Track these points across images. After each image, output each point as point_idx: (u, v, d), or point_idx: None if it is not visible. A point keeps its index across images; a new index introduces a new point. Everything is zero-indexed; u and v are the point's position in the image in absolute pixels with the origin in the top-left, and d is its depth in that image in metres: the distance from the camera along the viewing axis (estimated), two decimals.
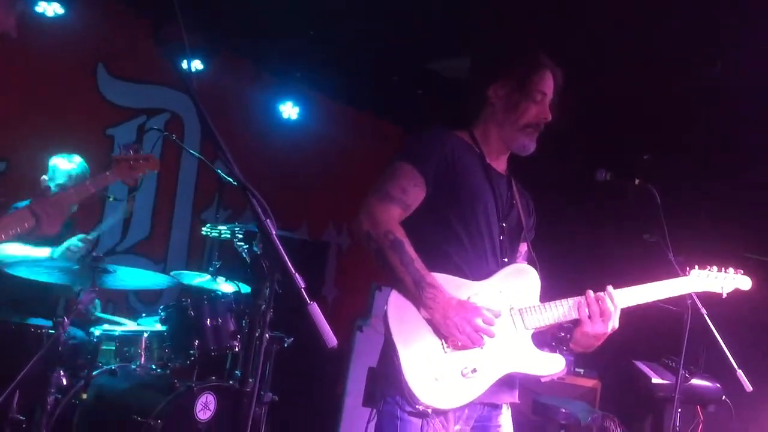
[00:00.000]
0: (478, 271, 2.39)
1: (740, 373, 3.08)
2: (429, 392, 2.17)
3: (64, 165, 4.09)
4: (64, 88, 5.13)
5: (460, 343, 2.22)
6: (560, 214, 5.98)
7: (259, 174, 5.64)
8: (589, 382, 5.71)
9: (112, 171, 2.73)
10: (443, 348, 2.23)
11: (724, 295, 2.65)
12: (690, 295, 3.19)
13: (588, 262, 5.36)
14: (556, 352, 2.41)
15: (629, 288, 2.45)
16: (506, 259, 2.49)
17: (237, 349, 3.84)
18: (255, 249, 4.08)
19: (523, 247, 2.61)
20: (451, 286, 2.27)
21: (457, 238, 2.39)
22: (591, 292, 2.38)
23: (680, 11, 4.19)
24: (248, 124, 6.26)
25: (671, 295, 2.54)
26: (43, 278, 3.60)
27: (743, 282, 2.67)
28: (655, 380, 4.43)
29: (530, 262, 2.55)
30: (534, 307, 2.39)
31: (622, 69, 4.96)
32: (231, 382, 3.67)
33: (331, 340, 1.40)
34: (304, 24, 5.33)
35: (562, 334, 2.45)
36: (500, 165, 2.61)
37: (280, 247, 1.43)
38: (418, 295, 2.21)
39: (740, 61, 4.53)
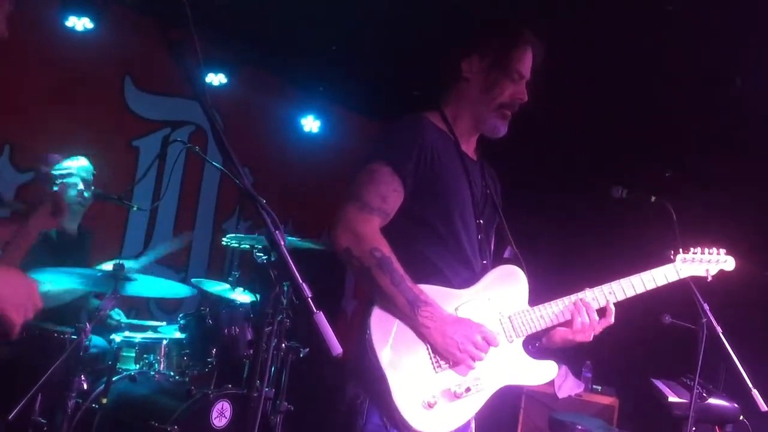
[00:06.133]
0: (462, 278, 2.25)
1: (755, 392, 3.05)
2: (422, 419, 2.04)
3: (67, 164, 4.14)
4: (92, 100, 5.25)
5: (452, 362, 2.09)
6: (571, 229, 5.99)
7: (281, 186, 5.74)
8: (607, 400, 5.70)
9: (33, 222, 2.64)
10: (434, 368, 2.10)
11: (709, 278, 2.56)
12: (705, 313, 3.20)
13: (596, 274, 5.36)
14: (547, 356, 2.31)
15: (616, 281, 2.36)
16: (485, 261, 2.34)
17: None
18: (273, 259, 4.15)
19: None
20: (438, 297, 2.12)
21: (438, 242, 2.22)
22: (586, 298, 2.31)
23: (701, 26, 4.19)
24: (270, 136, 6.35)
25: (661, 284, 2.43)
26: (66, 285, 3.69)
27: (728, 263, 2.61)
28: (672, 399, 4.40)
29: (515, 261, 2.38)
30: (524, 311, 2.27)
31: (641, 84, 4.97)
32: (247, 390, 3.72)
33: (336, 348, 1.43)
34: (326, 39, 5.42)
35: None
36: (471, 148, 2.44)
37: (289, 257, 1.47)
38: (413, 314, 2.05)
39: (760, 78, 4.51)
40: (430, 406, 2.05)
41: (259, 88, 6.19)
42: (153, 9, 5.31)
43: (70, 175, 4.09)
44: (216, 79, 5.65)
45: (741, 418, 4.26)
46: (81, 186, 4.08)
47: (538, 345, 2.34)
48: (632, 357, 5.75)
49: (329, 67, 5.97)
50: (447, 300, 2.16)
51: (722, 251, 2.60)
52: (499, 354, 2.19)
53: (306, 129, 6.56)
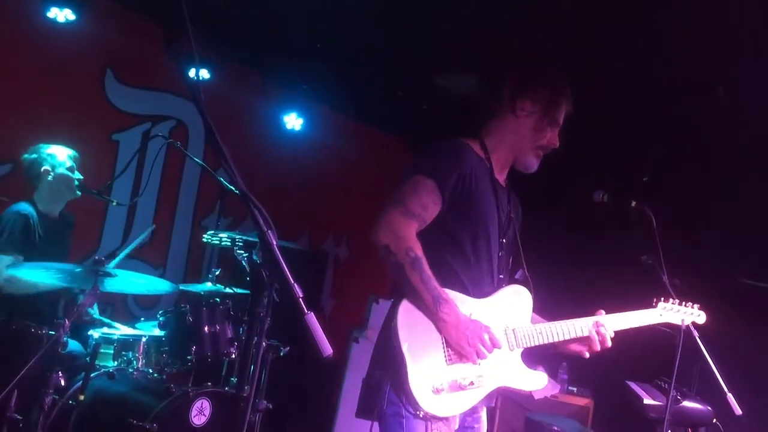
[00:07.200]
0: (479, 289, 2.54)
1: (730, 396, 3.12)
2: (431, 402, 2.33)
3: (63, 151, 4.19)
4: (72, 93, 5.19)
5: (462, 356, 2.38)
6: (557, 233, 6.03)
7: (262, 183, 5.71)
8: (582, 401, 5.74)
9: None
10: (445, 360, 2.38)
11: (683, 327, 2.93)
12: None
13: (583, 283, 5.40)
14: (539, 368, 2.61)
15: (610, 315, 2.72)
16: (502, 276, 2.64)
17: (233, 356, 3.87)
18: (255, 258, 4.12)
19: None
20: (456, 302, 2.41)
21: (463, 255, 2.51)
22: (602, 323, 2.66)
23: (684, 36, 4.25)
24: (252, 134, 6.32)
25: (642, 324, 2.81)
26: (45, 281, 3.64)
27: (700, 317, 2.98)
28: (647, 401, 4.45)
29: (525, 283, 2.68)
30: (526, 327, 2.59)
31: (624, 91, 5.02)
32: (226, 388, 3.70)
33: (327, 349, 1.44)
34: (311, 37, 5.40)
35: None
36: (502, 177, 2.73)
37: (281, 257, 1.47)
38: (435, 310, 2.35)
39: (742, 87, 4.58)
40: (438, 391, 2.34)
41: (242, 85, 6.15)
42: (137, 3, 5.26)
43: (76, 164, 4.17)
44: (199, 74, 5.60)
45: (714, 420, 4.32)
46: (80, 176, 4.14)
47: (552, 352, 2.68)
48: (608, 359, 5.78)
49: (313, 66, 5.95)
50: (463, 306, 2.45)
51: (696, 306, 2.97)
52: (501, 358, 2.50)
53: (288, 127, 6.54)
